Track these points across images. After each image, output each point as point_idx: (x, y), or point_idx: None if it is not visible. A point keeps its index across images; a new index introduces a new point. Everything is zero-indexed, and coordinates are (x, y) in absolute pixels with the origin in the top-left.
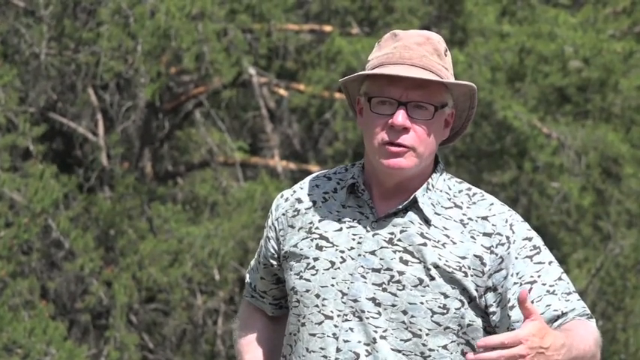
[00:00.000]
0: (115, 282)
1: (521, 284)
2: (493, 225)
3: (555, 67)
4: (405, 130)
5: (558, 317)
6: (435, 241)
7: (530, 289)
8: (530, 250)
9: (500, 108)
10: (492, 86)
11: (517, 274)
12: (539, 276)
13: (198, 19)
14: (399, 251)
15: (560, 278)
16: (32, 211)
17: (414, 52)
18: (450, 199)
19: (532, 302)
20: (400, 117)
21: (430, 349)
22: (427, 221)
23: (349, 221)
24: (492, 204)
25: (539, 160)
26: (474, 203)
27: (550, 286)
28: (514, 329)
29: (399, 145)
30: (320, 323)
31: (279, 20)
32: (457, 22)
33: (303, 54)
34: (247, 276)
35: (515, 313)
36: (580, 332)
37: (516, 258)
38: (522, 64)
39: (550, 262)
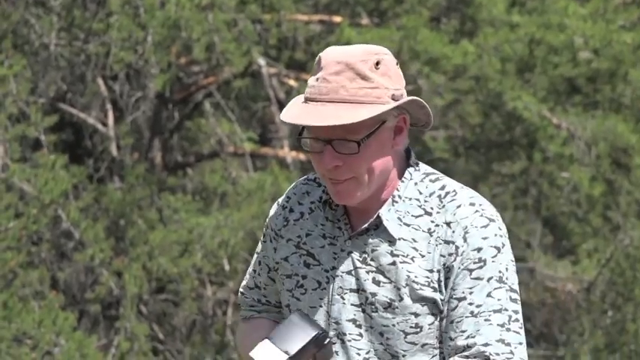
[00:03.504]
0: (125, 272)
1: (452, 297)
2: (452, 232)
3: (565, 58)
4: (337, 166)
5: (463, 350)
6: (403, 255)
7: (457, 306)
8: (474, 263)
9: (510, 99)
10: (502, 77)
11: (453, 285)
12: (470, 293)
13: (208, 9)
14: (372, 271)
15: (489, 295)
16: (42, 201)
17: (330, 85)
18: (420, 206)
19: (453, 322)
20: (327, 159)
21: None
22: (394, 238)
23: (330, 237)
24: (459, 206)
25: (549, 151)
26: (444, 207)
27: (477, 306)
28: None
29: (339, 181)
30: None
31: (288, 10)
32: (467, 13)
33: (313, 44)
34: (248, 297)
35: (442, 325)
36: None
37: (459, 268)
38: (532, 55)
39: (489, 278)
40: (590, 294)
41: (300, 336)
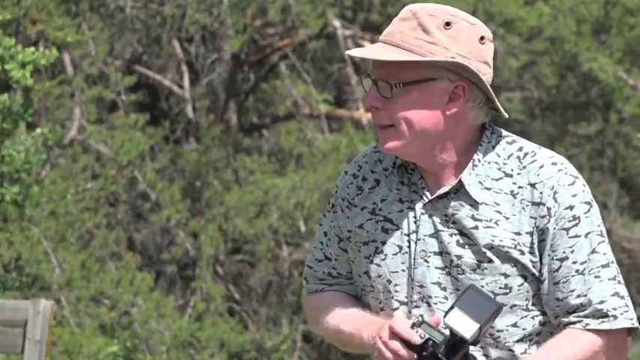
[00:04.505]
0: (201, 233)
1: (553, 258)
2: (540, 193)
3: None
4: (377, 108)
5: (576, 309)
6: (487, 220)
7: (560, 266)
8: (569, 222)
9: (586, 60)
10: (578, 38)
11: (551, 246)
12: (572, 251)
13: None
14: (455, 234)
15: (594, 251)
16: (119, 163)
17: (392, 28)
18: (499, 169)
19: (558, 283)
20: (368, 96)
21: (498, 330)
22: (476, 202)
23: (407, 202)
24: (542, 166)
25: (625, 112)
26: (524, 167)
27: (581, 263)
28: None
29: (381, 127)
30: (395, 309)
31: None
32: None
33: (388, 6)
34: (317, 270)
35: (544, 287)
36: (551, 358)
37: (554, 229)
38: (608, 16)
39: (587, 234)
40: None
41: (486, 306)
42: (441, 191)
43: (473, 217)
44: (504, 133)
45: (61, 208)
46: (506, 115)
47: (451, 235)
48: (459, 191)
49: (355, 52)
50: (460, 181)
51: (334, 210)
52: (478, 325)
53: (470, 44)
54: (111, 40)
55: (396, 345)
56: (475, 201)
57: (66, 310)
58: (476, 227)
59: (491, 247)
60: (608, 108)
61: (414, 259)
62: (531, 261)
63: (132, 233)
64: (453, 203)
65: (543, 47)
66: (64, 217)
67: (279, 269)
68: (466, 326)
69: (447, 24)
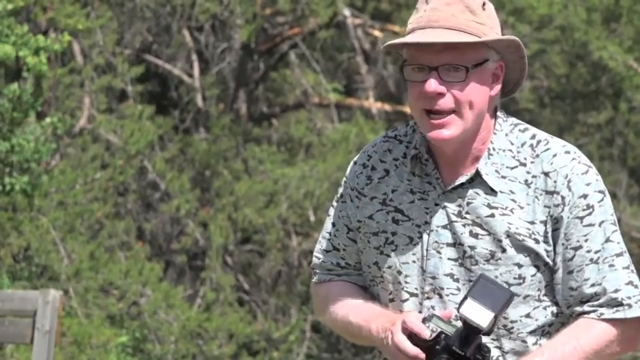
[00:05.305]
0: (210, 223)
1: (567, 247)
2: (554, 182)
3: None
4: (441, 95)
5: (590, 298)
6: (502, 208)
7: (574, 255)
8: (583, 210)
9: (596, 48)
10: (588, 27)
11: (565, 235)
12: (585, 240)
13: None
14: (469, 224)
15: (608, 240)
16: (128, 152)
17: (441, 13)
18: (514, 157)
19: (572, 272)
20: (432, 84)
21: (512, 321)
22: (492, 190)
23: (419, 192)
24: (555, 155)
25: (635, 101)
26: (537, 156)
27: (595, 252)
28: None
29: (439, 113)
30: (405, 301)
31: None
32: None
33: None
34: (325, 261)
35: (558, 277)
36: (567, 348)
37: (568, 217)
38: (618, 5)
39: (601, 223)
40: None
41: (499, 294)
42: (457, 182)
43: (489, 206)
44: (516, 120)
45: (70, 198)
46: (521, 88)
47: (464, 225)
48: (475, 180)
49: (424, 38)
50: (477, 170)
51: (343, 200)
52: (493, 314)
53: (498, 23)
54: (121, 29)
55: (406, 340)
56: (492, 189)
57: (74, 300)
58: (492, 215)
59: (507, 235)
60: (618, 97)
61: (427, 250)
62: (545, 250)
63: (141, 223)
64: (468, 192)
65: (553, 36)
66: (73, 206)
67: (288, 259)
68: (481, 316)
69: (484, 4)
